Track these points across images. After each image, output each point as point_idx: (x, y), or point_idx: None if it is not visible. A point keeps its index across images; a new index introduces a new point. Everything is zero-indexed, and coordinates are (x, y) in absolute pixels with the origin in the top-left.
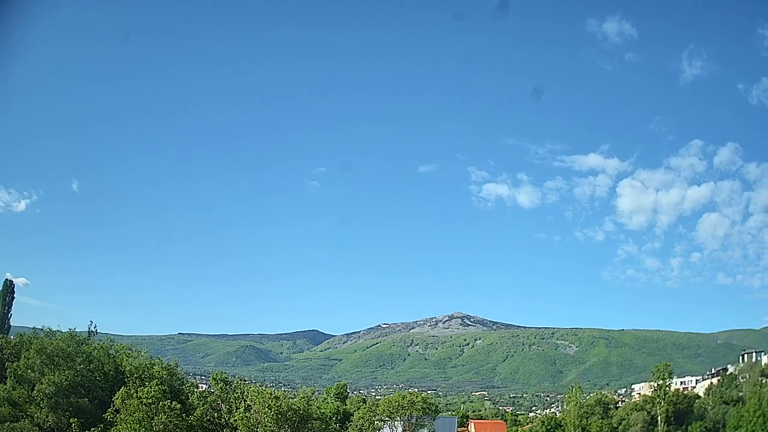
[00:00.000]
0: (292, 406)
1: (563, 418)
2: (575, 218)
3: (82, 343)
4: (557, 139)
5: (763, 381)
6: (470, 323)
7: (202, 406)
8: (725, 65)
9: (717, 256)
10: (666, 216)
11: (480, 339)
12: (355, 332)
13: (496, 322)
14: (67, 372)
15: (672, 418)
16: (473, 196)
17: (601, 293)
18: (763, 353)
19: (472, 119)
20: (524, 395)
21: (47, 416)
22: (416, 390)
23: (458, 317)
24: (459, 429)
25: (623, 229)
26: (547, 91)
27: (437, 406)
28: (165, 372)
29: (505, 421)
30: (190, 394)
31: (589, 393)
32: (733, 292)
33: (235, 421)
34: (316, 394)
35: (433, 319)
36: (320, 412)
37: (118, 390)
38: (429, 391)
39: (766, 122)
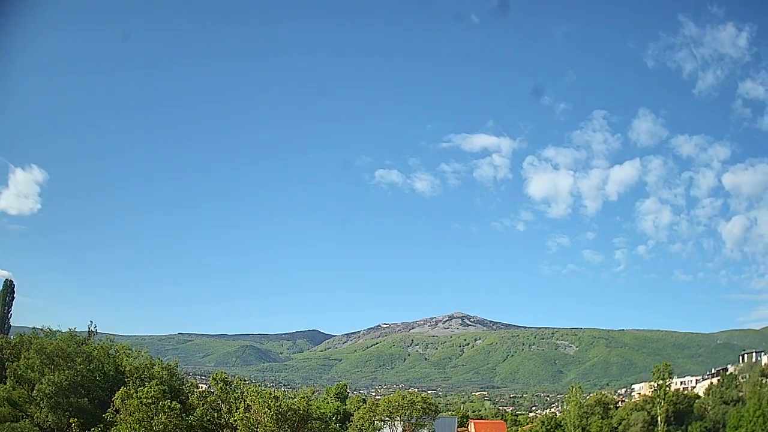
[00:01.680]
0: (292, 406)
1: (563, 418)
2: (486, 205)
3: (82, 343)
4: (438, 119)
5: (763, 381)
6: (470, 323)
7: (202, 406)
8: (609, 24)
9: (668, 249)
10: (592, 202)
11: (480, 339)
12: (355, 332)
13: (496, 322)
14: (67, 372)
15: (672, 418)
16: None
17: (601, 293)
18: (763, 353)
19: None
20: (524, 395)
21: (47, 416)
22: (416, 390)
23: (458, 317)
24: (459, 429)
25: (544, 217)
26: (411, 66)
27: (437, 406)
28: (165, 372)
29: (505, 421)
30: (190, 394)
31: (589, 393)
32: (702, 290)
33: (235, 421)
34: (316, 394)
35: (433, 319)
36: (320, 412)
37: (118, 390)
38: (429, 391)
39: (678, 86)
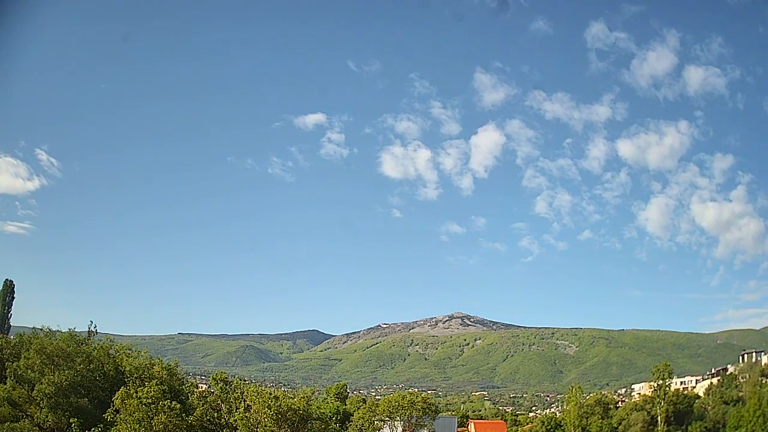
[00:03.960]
0: (292, 406)
1: (563, 418)
2: (353, 191)
3: (82, 343)
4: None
5: (763, 381)
6: (470, 323)
7: (202, 406)
8: None
9: (578, 237)
10: (465, 180)
11: (480, 339)
12: (355, 332)
13: (496, 322)
14: (67, 372)
15: (672, 418)
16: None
17: (601, 293)
18: (763, 353)
19: None
20: (524, 395)
21: (47, 416)
22: (416, 390)
23: (458, 317)
24: (459, 429)
25: (415, 201)
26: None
27: (437, 406)
28: (165, 372)
29: (505, 421)
30: (190, 394)
31: (589, 393)
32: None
33: (235, 421)
34: (316, 394)
35: (433, 319)
36: (320, 412)
37: (118, 390)
38: (429, 391)
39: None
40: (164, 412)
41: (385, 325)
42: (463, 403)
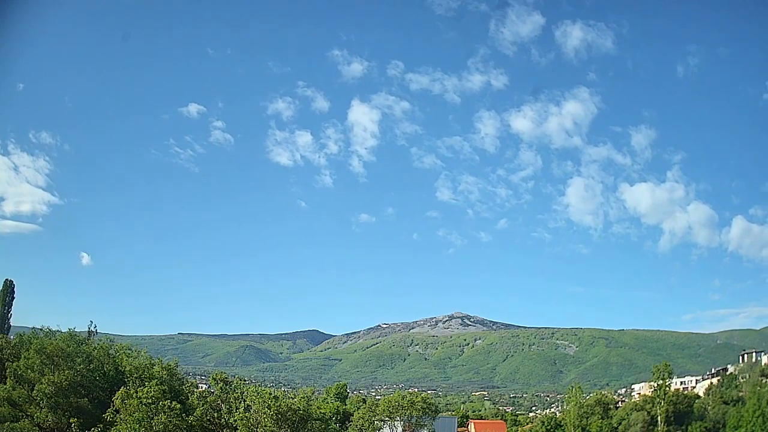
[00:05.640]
0: (292, 406)
1: (563, 418)
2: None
3: (82, 343)
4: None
5: (763, 381)
6: (470, 323)
7: (202, 406)
8: None
9: (497, 227)
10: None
11: (480, 339)
12: (355, 332)
13: (496, 322)
14: (66, 372)
15: (672, 418)
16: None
17: (601, 293)
18: (763, 353)
19: None
20: (524, 395)
21: (47, 416)
22: (416, 390)
23: (458, 317)
24: (459, 429)
25: (313, 189)
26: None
27: (437, 406)
28: (165, 372)
29: (505, 421)
30: (190, 394)
31: (589, 393)
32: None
33: (235, 421)
34: (316, 394)
35: (433, 319)
36: (320, 412)
37: (118, 390)
38: (429, 391)
39: None
40: (164, 412)
41: (385, 325)
42: (463, 403)
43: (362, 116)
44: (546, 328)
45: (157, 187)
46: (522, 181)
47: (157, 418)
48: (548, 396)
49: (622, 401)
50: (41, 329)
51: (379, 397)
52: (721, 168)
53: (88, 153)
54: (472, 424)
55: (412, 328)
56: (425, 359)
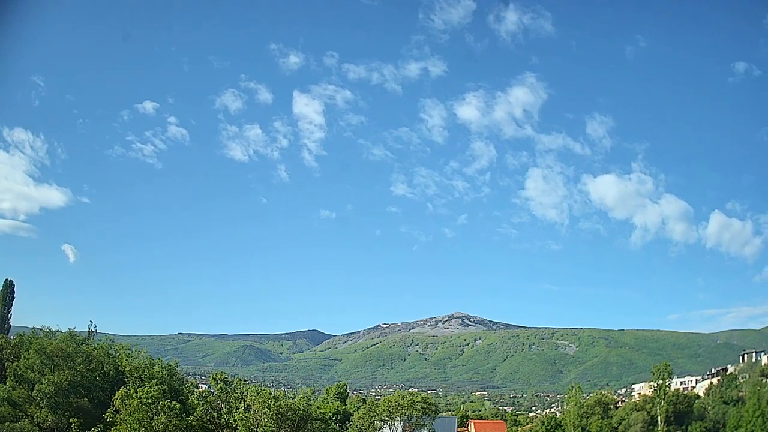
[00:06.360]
0: (292, 406)
1: (563, 418)
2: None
3: (81, 343)
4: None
5: (763, 381)
6: (470, 323)
7: (202, 406)
8: None
9: (457, 221)
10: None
11: (480, 339)
12: (355, 332)
13: (496, 322)
14: (66, 372)
15: (672, 418)
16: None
17: (601, 293)
18: (763, 353)
19: None
20: (524, 395)
21: (47, 416)
22: (416, 390)
23: (458, 317)
24: (459, 429)
25: (271, 184)
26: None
27: (437, 406)
28: (165, 372)
29: (505, 421)
30: (189, 394)
31: (589, 393)
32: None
33: (235, 421)
34: (316, 394)
35: (433, 319)
36: (320, 412)
37: (118, 390)
38: (429, 391)
39: None
40: (164, 412)
41: (385, 325)
42: (463, 403)
43: (305, 107)
44: (546, 328)
45: (159, 188)
46: (477, 174)
47: (157, 418)
48: (548, 396)
49: (622, 401)
50: (41, 329)
51: (379, 397)
52: (691, 159)
53: (80, 152)
54: (472, 424)
55: (412, 328)
56: (425, 359)
